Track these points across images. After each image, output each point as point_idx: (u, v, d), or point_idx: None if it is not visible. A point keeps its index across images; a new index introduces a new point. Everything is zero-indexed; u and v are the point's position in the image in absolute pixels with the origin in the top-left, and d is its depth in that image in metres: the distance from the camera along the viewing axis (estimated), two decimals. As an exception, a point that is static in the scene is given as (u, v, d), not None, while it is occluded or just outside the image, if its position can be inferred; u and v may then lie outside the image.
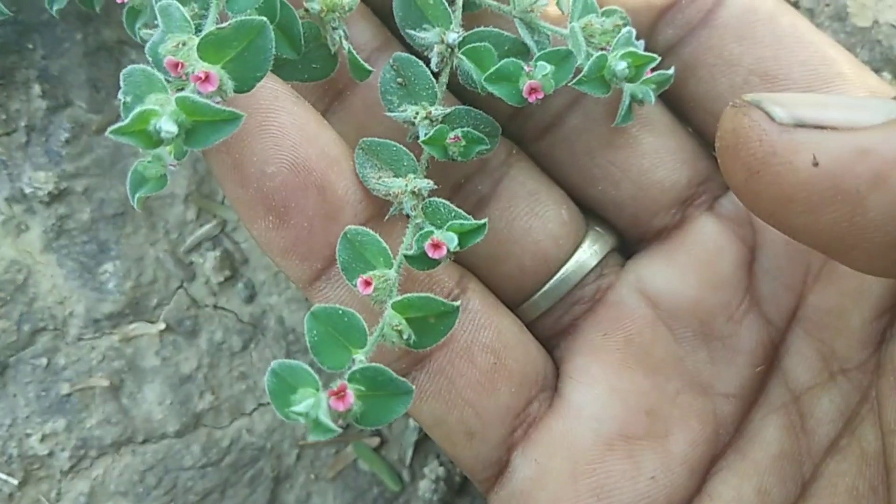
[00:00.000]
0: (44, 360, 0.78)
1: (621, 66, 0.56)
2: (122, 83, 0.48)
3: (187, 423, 0.79)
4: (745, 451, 0.61)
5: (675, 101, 0.65)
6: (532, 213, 0.64)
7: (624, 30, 0.57)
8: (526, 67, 0.56)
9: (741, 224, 0.64)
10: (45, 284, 0.78)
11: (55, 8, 0.67)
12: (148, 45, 0.51)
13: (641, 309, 0.64)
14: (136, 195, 0.53)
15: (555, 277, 0.65)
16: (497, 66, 0.56)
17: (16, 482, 0.77)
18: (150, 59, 0.52)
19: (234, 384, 0.80)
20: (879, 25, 0.78)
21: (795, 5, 0.79)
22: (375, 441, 0.81)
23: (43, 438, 0.78)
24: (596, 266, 0.65)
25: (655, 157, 0.64)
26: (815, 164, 0.45)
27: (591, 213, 0.67)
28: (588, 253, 0.65)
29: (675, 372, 0.63)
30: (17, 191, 0.77)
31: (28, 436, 0.77)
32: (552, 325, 0.67)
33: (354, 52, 0.57)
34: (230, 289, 0.81)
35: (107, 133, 0.44)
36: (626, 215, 0.66)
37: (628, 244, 0.68)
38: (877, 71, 0.78)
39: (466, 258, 0.64)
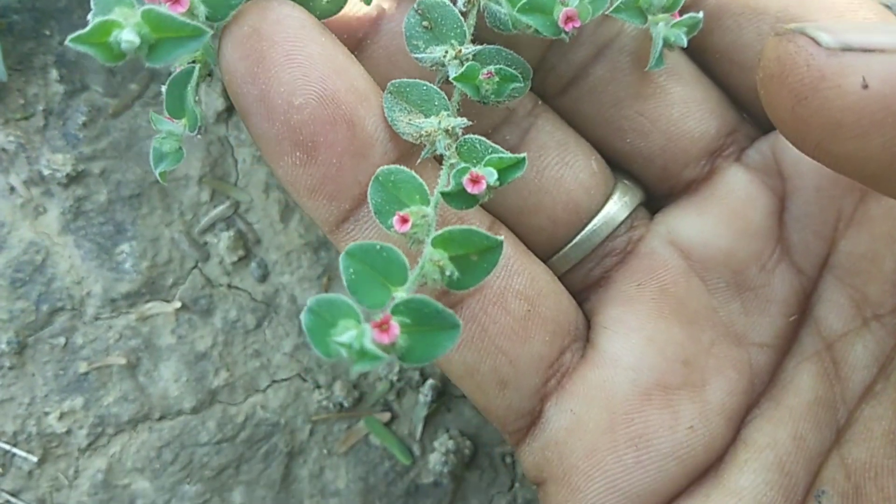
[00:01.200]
0: (62, 340, 0.79)
1: None
2: (92, 5, 0.47)
3: (203, 400, 0.80)
4: (780, 399, 0.60)
5: (699, 53, 0.63)
6: (562, 163, 0.63)
7: None
8: None
9: (770, 174, 0.63)
10: (62, 265, 0.79)
11: None
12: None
13: (674, 260, 0.63)
14: (158, 170, 0.52)
15: (586, 229, 0.64)
16: None
17: (35, 459, 0.77)
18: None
19: (248, 361, 0.81)
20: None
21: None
22: (386, 416, 0.81)
23: (61, 416, 0.78)
24: (626, 218, 0.64)
25: (684, 106, 0.63)
26: (865, 87, 0.44)
27: (618, 168, 0.66)
28: (618, 205, 0.64)
29: (709, 322, 0.62)
30: (36, 173, 0.78)
31: (46, 414, 0.78)
32: (583, 278, 0.66)
33: None
34: (244, 268, 0.81)
35: (66, 41, 0.44)
36: (655, 167, 0.64)
37: (656, 199, 0.67)
38: None
39: (496, 210, 0.62)
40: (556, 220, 0.63)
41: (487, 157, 0.53)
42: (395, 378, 0.80)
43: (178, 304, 0.80)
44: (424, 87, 0.55)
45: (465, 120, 0.54)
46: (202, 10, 0.47)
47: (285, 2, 0.54)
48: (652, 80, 0.62)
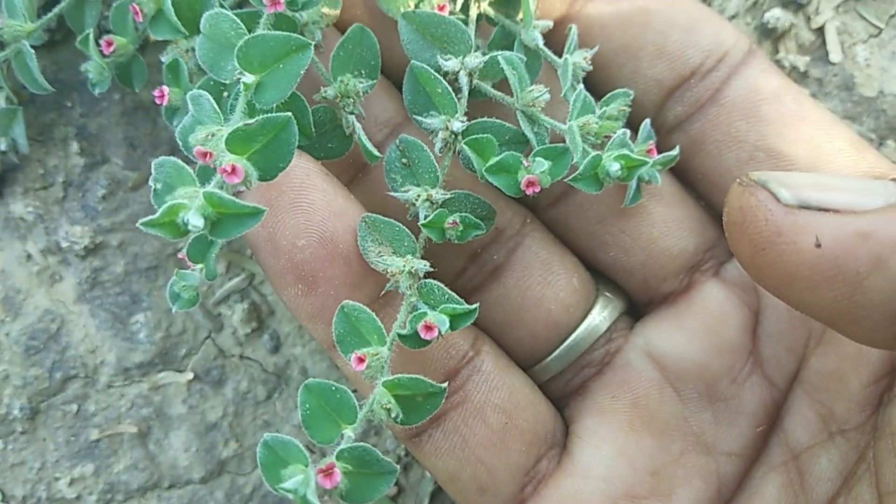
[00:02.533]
0: (74, 407, 0.79)
1: (615, 167, 0.57)
2: (153, 171, 0.50)
3: (212, 470, 0.80)
4: None
5: (683, 173, 0.66)
6: (544, 283, 0.65)
7: (619, 131, 0.59)
8: (525, 162, 0.58)
9: (746, 289, 0.65)
10: (77, 334, 0.79)
11: (97, 91, 0.69)
12: (178, 129, 0.53)
13: (649, 371, 0.65)
14: (175, 309, 0.58)
15: (565, 343, 0.66)
16: (497, 159, 0.58)
17: (45, 524, 0.78)
18: (180, 143, 0.53)
19: (257, 432, 0.81)
20: (885, 95, 0.78)
21: (805, 74, 0.79)
22: (393, 490, 0.81)
23: (71, 482, 0.78)
24: (606, 331, 0.67)
25: (664, 225, 0.65)
26: (818, 246, 0.46)
27: (602, 276, 0.68)
28: (598, 318, 0.67)
29: (679, 432, 0.64)
30: (53, 243, 0.78)
31: (57, 479, 0.78)
32: (562, 387, 0.68)
33: (363, 139, 0.59)
34: (256, 339, 0.81)
35: (137, 224, 0.46)
36: (635, 280, 0.67)
37: (637, 306, 0.69)
38: (882, 139, 0.78)
39: (482, 322, 0.66)
40: (537, 335, 0.66)
41: (442, 306, 0.57)
42: (402, 453, 0.81)
43: (190, 375, 0.80)
44: (397, 228, 0.60)
45: (427, 265, 0.58)
46: (254, 175, 0.49)
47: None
48: None
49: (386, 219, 0.59)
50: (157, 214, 0.46)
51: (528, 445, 0.64)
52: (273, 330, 0.81)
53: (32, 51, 0.67)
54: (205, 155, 0.48)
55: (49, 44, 0.77)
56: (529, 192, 0.57)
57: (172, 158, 0.49)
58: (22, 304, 0.78)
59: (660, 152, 0.62)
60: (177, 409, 0.80)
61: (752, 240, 0.49)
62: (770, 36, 0.79)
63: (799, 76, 0.79)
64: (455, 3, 0.61)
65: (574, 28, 0.61)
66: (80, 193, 0.78)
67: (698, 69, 0.64)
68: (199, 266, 0.56)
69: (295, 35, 0.50)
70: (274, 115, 0.48)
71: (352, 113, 0.59)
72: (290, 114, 0.48)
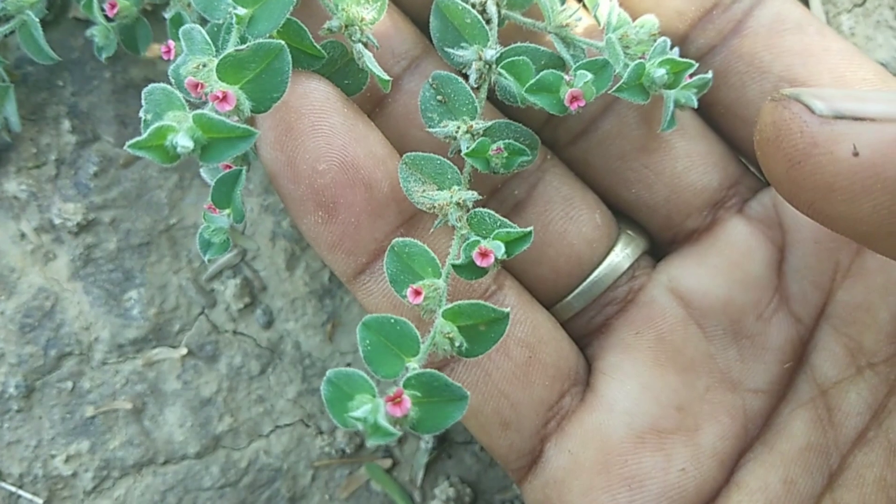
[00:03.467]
0: (69, 384, 0.78)
1: (660, 72, 0.56)
2: (143, 101, 0.49)
3: (207, 445, 0.79)
4: (773, 444, 0.61)
5: (704, 107, 0.65)
6: (566, 217, 0.65)
7: (660, 39, 0.58)
8: (566, 77, 0.56)
9: (770, 225, 0.64)
10: (71, 311, 0.79)
11: (104, 55, 0.69)
12: (170, 67, 0.53)
13: (673, 308, 0.64)
14: (206, 256, 0.57)
15: (588, 279, 0.66)
16: (537, 77, 0.56)
17: (40, 501, 0.77)
18: (171, 80, 0.53)
19: (252, 407, 0.80)
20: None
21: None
22: (388, 462, 0.81)
23: (67, 459, 0.78)
24: (628, 269, 0.66)
25: (688, 160, 0.64)
26: (856, 154, 0.45)
27: (623, 215, 0.68)
28: (621, 256, 0.66)
29: (705, 369, 0.63)
30: (46, 221, 0.78)
31: (53, 457, 0.78)
32: (585, 325, 0.68)
33: (371, 65, 0.57)
34: (249, 315, 0.81)
35: (125, 146, 0.46)
36: (658, 217, 0.66)
37: (659, 246, 0.68)
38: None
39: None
40: (559, 271, 0.65)
41: (496, 231, 0.55)
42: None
43: (184, 350, 0.80)
44: (438, 161, 0.58)
45: (475, 194, 0.57)
46: (247, 105, 0.49)
47: (312, 76, 0.57)
48: (657, 134, 0.64)
49: (427, 154, 0.58)
50: (145, 136, 0.46)
51: (551, 380, 0.63)
52: (266, 305, 0.81)
53: (37, 21, 0.68)
54: (196, 86, 0.48)
55: (41, 23, 0.77)
56: (574, 106, 0.56)
57: (162, 85, 0.49)
58: (16, 283, 0.78)
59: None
60: (171, 384, 0.80)
61: (786, 153, 0.48)
62: (749, 7, 0.80)
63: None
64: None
65: None
66: (72, 171, 0.79)
67: (720, 1, 0.64)
68: (227, 211, 0.56)
69: (283, -35, 0.50)
70: (266, 41, 0.48)
71: (360, 41, 0.57)
72: (282, 41, 0.49)
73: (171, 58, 0.62)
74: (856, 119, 0.46)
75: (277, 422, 0.81)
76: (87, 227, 0.78)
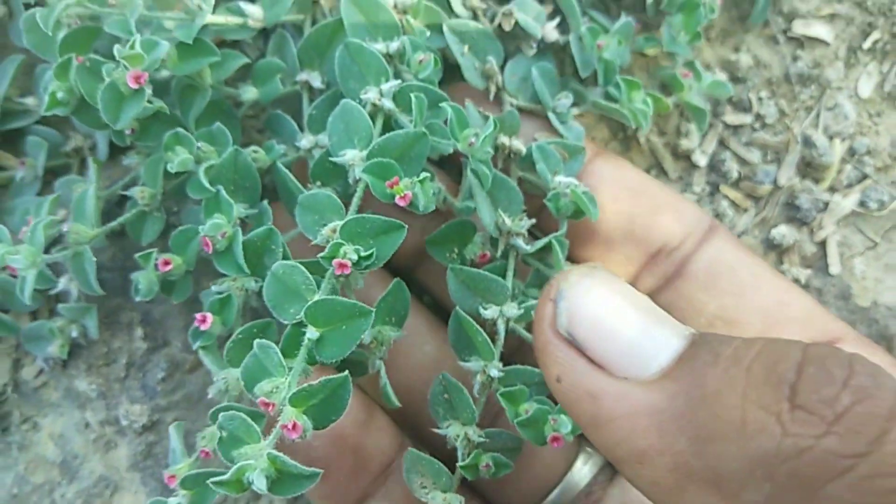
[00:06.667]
0: (123, 569, 0.81)
1: None
2: (221, 419, 0.53)
3: None
4: None
5: None
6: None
7: None
8: (551, 420, 0.60)
9: None
10: (127, 500, 0.82)
11: (138, 298, 0.71)
12: (242, 369, 0.56)
13: None
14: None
15: (547, 499, 0.68)
16: (527, 417, 0.61)
17: None
18: (242, 383, 0.56)
19: None
20: (878, 306, 0.82)
21: (806, 286, 0.83)
22: None
23: None
24: (585, 485, 0.69)
25: None
26: (558, 381, 0.46)
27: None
28: (580, 474, 0.69)
29: None
30: (112, 418, 0.81)
31: None
32: None
33: (387, 387, 0.63)
34: (291, 512, 0.84)
35: (208, 482, 0.49)
36: None
37: None
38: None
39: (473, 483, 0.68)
40: (522, 491, 0.69)
41: None
42: None
43: (228, 545, 0.82)
44: (436, 466, 0.63)
45: (462, 500, 0.62)
46: (310, 426, 0.54)
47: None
48: None
49: (427, 456, 0.63)
50: (228, 475, 0.49)
51: None
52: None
53: (93, 257, 0.70)
54: (268, 405, 0.52)
55: (118, 232, 0.81)
56: (555, 446, 0.60)
57: (240, 415, 0.52)
58: (79, 469, 0.81)
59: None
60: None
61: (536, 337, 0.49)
62: (776, 249, 0.83)
63: (801, 287, 0.83)
64: (497, 249, 0.65)
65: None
66: (140, 374, 0.82)
67: (663, 248, 0.68)
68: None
69: (360, 303, 0.54)
70: (334, 377, 0.52)
71: (381, 358, 0.62)
72: (347, 373, 0.53)
73: (206, 328, 0.63)
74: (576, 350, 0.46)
75: None
76: (150, 427, 0.82)
